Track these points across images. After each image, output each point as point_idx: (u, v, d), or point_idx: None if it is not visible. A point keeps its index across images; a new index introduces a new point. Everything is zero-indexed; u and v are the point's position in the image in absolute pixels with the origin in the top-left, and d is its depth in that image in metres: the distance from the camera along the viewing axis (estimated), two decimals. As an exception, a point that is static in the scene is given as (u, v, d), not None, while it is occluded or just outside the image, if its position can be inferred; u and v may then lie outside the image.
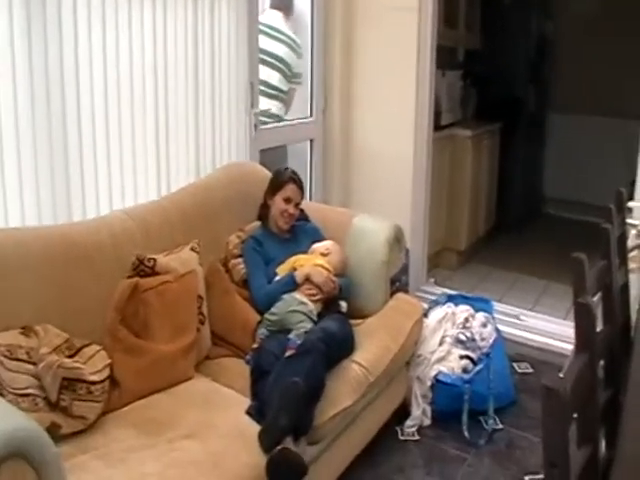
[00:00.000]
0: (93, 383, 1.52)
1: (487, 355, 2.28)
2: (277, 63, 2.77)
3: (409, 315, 2.20)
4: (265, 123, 2.70)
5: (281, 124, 2.86)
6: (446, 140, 3.58)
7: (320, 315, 1.95)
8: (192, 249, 1.96)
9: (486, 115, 3.99)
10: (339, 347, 1.82)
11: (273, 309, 1.93)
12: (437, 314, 2.44)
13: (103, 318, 1.68)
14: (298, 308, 1.91)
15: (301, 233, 2.21)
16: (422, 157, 3.05)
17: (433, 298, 2.74)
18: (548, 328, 2.83)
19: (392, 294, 2.28)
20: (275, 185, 2.19)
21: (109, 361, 1.62)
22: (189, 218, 2.03)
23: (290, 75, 2.83)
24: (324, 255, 2.11)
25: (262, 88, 2.67)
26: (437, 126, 3.32)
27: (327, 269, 2.05)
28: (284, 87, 2.83)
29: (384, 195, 3.06)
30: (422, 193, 3.11)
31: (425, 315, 2.42)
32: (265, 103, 2.71)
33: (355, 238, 2.24)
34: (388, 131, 3.00)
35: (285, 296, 1.96)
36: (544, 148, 4.84)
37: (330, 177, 3.14)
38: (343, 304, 2.06)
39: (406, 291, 2.77)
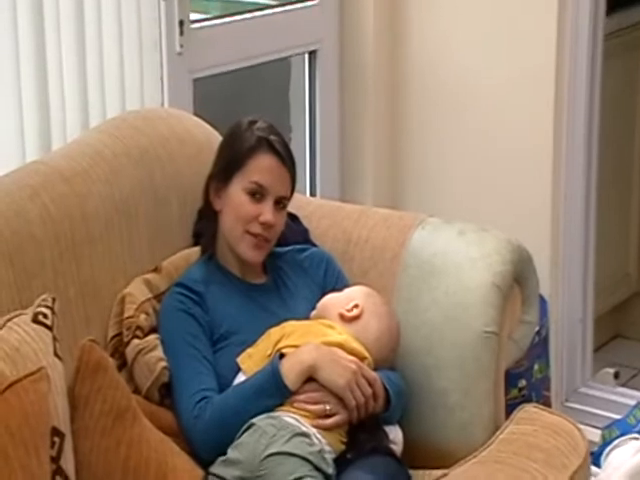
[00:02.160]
0: None
1: None
2: None
3: (554, 459, 2.05)
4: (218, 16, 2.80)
5: (243, 17, 2.91)
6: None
7: (342, 460, 1.93)
8: (37, 319, 1.83)
9: None
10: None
11: (232, 453, 1.89)
12: (626, 456, 2.41)
13: None
14: (290, 448, 1.85)
15: (295, 271, 2.22)
16: (577, 85, 2.99)
17: (615, 417, 2.68)
18: None
19: (511, 408, 2.22)
20: (230, 160, 2.15)
21: None
22: (27, 246, 1.97)
23: None
24: (347, 320, 2.08)
25: None
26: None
27: (356, 353, 2.02)
28: None
29: (483, 178, 3.04)
30: (578, 174, 3.06)
31: (595, 461, 2.38)
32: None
33: (419, 277, 2.22)
34: (492, 25, 2.98)
35: (260, 420, 1.92)
36: None
37: (357, 138, 3.17)
38: (394, 433, 2.05)
39: (545, 399, 2.67)
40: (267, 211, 2.07)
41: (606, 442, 2.52)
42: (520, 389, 2.45)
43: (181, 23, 2.58)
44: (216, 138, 2.29)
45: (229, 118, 2.29)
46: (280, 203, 2.09)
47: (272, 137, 2.11)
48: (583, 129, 3.06)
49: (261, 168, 2.08)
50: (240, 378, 1.99)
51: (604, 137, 3.20)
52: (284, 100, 3.16)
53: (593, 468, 2.32)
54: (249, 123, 2.13)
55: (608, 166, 3.35)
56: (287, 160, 2.12)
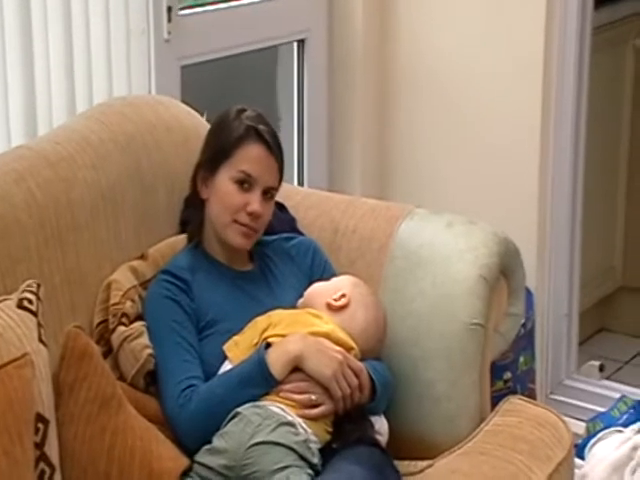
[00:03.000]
0: None
1: None
2: None
3: (538, 450, 2.07)
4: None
5: (231, 4, 2.90)
6: (627, 35, 3.64)
7: (328, 450, 1.93)
8: (21, 304, 1.83)
9: None
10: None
11: (217, 441, 1.90)
12: (610, 449, 2.41)
13: None
14: (275, 437, 1.86)
15: (282, 260, 2.23)
16: (565, 79, 3.02)
17: (599, 410, 2.69)
18: None
19: (496, 400, 2.23)
20: (218, 149, 2.15)
21: None
22: (12, 231, 1.96)
23: None
24: (334, 310, 2.08)
25: None
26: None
27: (342, 344, 2.02)
28: None
29: (470, 171, 3.05)
30: (565, 168, 3.08)
31: (580, 454, 2.39)
32: None
33: (406, 268, 2.22)
34: (480, 21, 3.00)
35: (245, 409, 1.92)
36: None
37: (345, 128, 3.17)
38: (379, 423, 2.05)
39: (530, 392, 2.67)
40: (255, 201, 2.06)
41: (590, 435, 2.52)
42: (505, 381, 2.47)
43: (169, 10, 2.58)
44: (203, 126, 2.29)
45: (216, 106, 2.30)
46: (268, 193, 2.10)
47: (261, 126, 2.11)
48: (570, 123, 3.08)
49: (249, 157, 2.08)
50: (226, 366, 1.99)
51: (591, 131, 3.22)
52: (272, 89, 3.17)
53: (577, 460, 2.33)
54: (237, 112, 2.13)
55: (595, 161, 3.36)
56: (275, 150, 2.11)
